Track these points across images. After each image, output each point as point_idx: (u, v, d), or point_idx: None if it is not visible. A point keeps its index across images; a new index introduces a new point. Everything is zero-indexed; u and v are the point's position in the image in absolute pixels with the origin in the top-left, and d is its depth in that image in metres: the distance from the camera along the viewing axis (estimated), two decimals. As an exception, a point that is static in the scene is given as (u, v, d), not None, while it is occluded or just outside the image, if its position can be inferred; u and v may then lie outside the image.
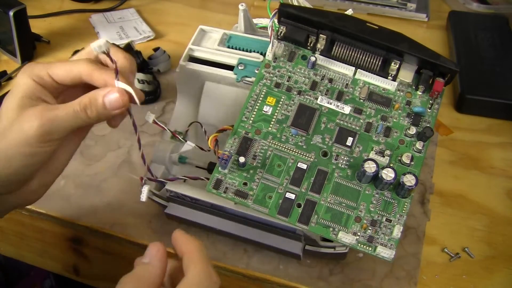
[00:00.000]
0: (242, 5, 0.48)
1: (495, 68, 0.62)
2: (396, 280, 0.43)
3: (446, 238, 0.46)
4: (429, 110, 0.40)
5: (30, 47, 0.69)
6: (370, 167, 0.36)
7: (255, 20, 0.52)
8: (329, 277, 0.43)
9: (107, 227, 0.47)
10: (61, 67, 0.36)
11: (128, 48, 0.64)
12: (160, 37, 0.75)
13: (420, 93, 0.40)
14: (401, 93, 0.40)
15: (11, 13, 0.63)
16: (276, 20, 0.42)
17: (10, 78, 0.66)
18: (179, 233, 0.33)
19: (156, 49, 0.68)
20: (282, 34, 0.42)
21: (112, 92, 0.34)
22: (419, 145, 0.38)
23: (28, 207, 0.49)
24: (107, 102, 0.35)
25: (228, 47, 0.46)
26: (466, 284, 0.43)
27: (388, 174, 0.35)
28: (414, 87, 0.40)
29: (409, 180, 0.36)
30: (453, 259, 0.44)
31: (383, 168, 0.36)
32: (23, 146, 0.33)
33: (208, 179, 0.38)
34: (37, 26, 0.74)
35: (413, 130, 0.38)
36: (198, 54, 0.47)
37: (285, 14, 0.41)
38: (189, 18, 0.79)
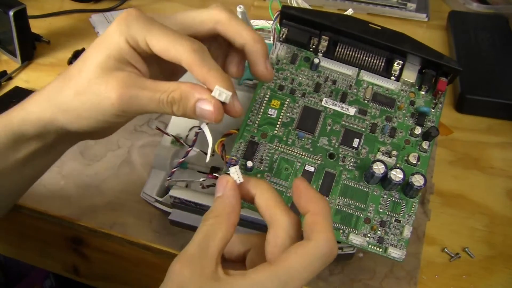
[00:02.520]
0: (240, 8, 0.48)
1: (495, 68, 0.62)
2: (396, 280, 0.43)
3: (446, 238, 0.46)
4: (433, 110, 0.40)
5: (30, 47, 0.69)
6: (378, 168, 0.36)
7: (252, 22, 0.52)
8: (329, 277, 0.43)
9: (107, 227, 0.47)
10: (162, 40, 0.31)
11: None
12: (160, 37, 0.75)
13: (424, 92, 0.40)
14: (405, 93, 0.40)
15: (11, 13, 0.63)
16: (278, 23, 0.42)
17: (10, 78, 0.66)
18: (304, 185, 0.30)
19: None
20: (284, 36, 0.42)
21: (208, 103, 0.31)
22: (425, 144, 0.38)
23: (28, 207, 0.49)
24: (198, 109, 0.31)
25: None
26: (466, 284, 0.43)
27: (397, 175, 0.36)
28: (417, 87, 0.40)
29: (417, 180, 0.36)
30: (453, 259, 0.44)
31: (391, 169, 0.36)
32: (96, 113, 0.32)
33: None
34: (37, 26, 0.74)
35: (418, 130, 0.38)
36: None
37: (287, 16, 0.41)
38: (189, 18, 0.79)
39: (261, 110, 0.39)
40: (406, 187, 0.36)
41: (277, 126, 0.39)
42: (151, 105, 0.31)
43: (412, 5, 0.77)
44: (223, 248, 0.28)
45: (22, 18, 0.65)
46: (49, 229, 0.50)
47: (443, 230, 0.47)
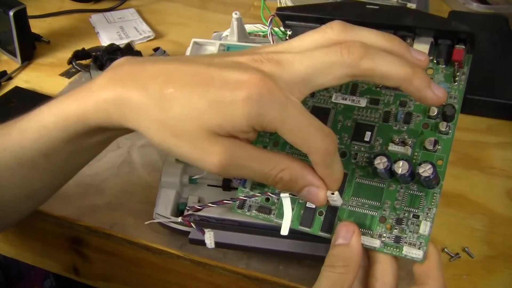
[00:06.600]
0: (236, 14, 0.47)
1: (495, 68, 0.62)
2: (396, 280, 0.43)
3: (446, 238, 0.46)
4: (455, 84, 0.36)
5: (30, 47, 0.69)
6: (380, 163, 0.33)
7: (246, 26, 0.51)
8: (329, 277, 0.43)
9: (107, 227, 0.47)
10: (294, 136, 0.29)
11: (128, 48, 0.64)
12: (160, 37, 0.75)
13: (443, 66, 0.36)
14: None
15: (11, 13, 0.63)
16: (275, 28, 0.41)
17: (10, 78, 0.66)
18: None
19: (156, 49, 0.68)
20: (289, 38, 0.41)
21: (319, 192, 0.31)
22: (442, 126, 0.34)
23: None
24: (305, 193, 0.31)
25: None
26: (466, 284, 0.43)
27: (401, 167, 0.32)
28: (435, 61, 0.37)
29: (425, 170, 0.31)
30: (453, 259, 0.44)
31: (395, 161, 0.32)
32: (189, 161, 0.30)
33: (233, 199, 0.36)
34: (37, 26, 0.74)
35: (434, 111, 0.34)
36: None
37: (285, 17, 0.40)
38: (189, 18, 0.79)
39: None
40: (426, 182, 0.33)
41: None
42: (253, 176, 0.30)
43: (412, 5, 0.77)
44: None
45: (22, 18, 0.65)
46: (49, 229, 0.50)
47: (443, 230, 0.47)
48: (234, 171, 0.30)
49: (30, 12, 0.68)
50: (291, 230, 0.36)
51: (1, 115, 0.59)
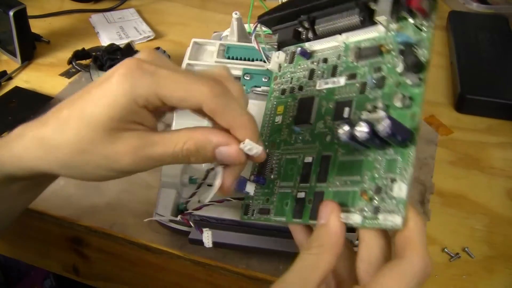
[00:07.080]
0: (236, 14, 0.47)
1: (495, 68, 0.62)
2: (396, 280, 0.43)
3: (446, 238, 0.46)
4: (424, 34, 0.32)
5: (30, 47, 0.69)
6: (344, 132, 0.30)
7: (246, 26, 0.51)
8: (329, 277, 0.43)
9: (107, 227, 0.47)
10: (176, 91, 0.28)
11: (128, 48, 0.64)
12: (160, 37, 0.75)
13: (411, 20, 0.33)
14: (392, 32, 0.35)
15: (11, 13, 0.63)
16: (259, 38, 0.41)
17: (10, 78, 0.66)
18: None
19: (156, 49, 0.68)
20: (277, 43, 0.41)
21: (228, 148, 0.29)
22: (408, 80, 0.31)
23: (28, 207, 0.49)
24: (219, 155, 0.29)
25: (228, 58, 0.45)
26: (466, 284, 0.43)
27: (361, 130, 0.28)
28: (405, 19, 0.34)
29: (380, 123, 0.28)
30: (453, 259, 0.44)
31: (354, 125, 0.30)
32: (106, 171, 0.30)
33: (234, 198, 0.37)
34: (37, 26, 0.74)
35: (401, 67, 0.32)
36: (198, 69, 0.45)
37: (268, 23, 0.40)
38: (189, 18, 0.79)
39: (270, 122, 0.39)
40: (390, 138, 0.30)
41: (282, 130, 0.38)
42: (166, 160, 0.30)
43: None
44: (324, 281, 0.28)
45: (22, 18, 0.65)
46: (49, 229, 0.50)
47: (443, 230, 0.47)
48: (145, 162, 0.29)
49: (30, 12, 0.68)
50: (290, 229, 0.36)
51: (1, 115, 0.59)
